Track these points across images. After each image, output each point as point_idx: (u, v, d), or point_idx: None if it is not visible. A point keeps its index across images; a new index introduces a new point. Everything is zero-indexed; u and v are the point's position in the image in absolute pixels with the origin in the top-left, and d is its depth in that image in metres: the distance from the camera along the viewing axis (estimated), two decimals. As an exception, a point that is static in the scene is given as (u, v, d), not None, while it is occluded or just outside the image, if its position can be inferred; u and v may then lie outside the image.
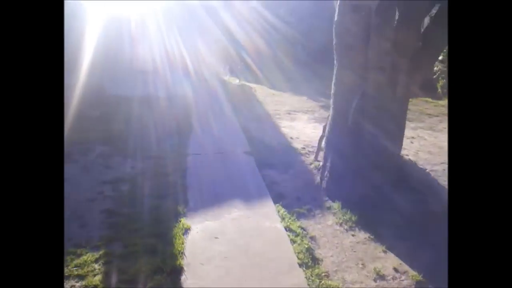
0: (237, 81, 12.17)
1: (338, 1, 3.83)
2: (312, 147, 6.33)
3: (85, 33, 10.43)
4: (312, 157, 5.84)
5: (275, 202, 4.30)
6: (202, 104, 8.68)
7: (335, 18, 3.97)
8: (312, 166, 5.50)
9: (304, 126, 7.51)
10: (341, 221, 4.10)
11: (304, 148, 6.26)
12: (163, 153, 5.64)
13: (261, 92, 10.69)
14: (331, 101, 4.55)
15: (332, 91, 4.42)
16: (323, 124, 7.86)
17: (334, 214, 4.25)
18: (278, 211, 4.08)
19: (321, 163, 5.26)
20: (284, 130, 7.18)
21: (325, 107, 9.01)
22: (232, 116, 7.89)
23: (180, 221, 3.77)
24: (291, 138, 6.72)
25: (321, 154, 5.67)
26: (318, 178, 5.00)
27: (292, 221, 3.92)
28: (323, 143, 5.43)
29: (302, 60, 16.48)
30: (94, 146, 5.77)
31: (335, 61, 4.24)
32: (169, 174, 4.93)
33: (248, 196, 4.40)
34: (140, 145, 5.89)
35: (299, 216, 4.12)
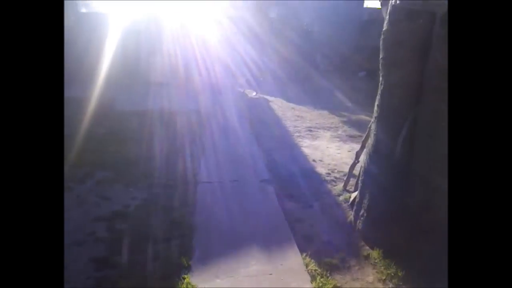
0: (254, 93, 11.43)
1: (389, 7, 3.03)
2: (339, 172, 5.49)
3: (104, 44, 10.01)
4: (340, 185, 5.01)
5: (301, 248, 3.48)
6: (217, 120, 7.94)
7: (384, 28, 3.16)
8: (341, 198, 4.66)
9: (327, 146, 6.68)
10: (384, 276, 3.25)
11: (329, 173, 5.43)
12: (171, 180, 4.88)
13: (279, 105, 9.91)
14: (373, 125, 3.73)
15: (375, 114, 3.60)
16: (348, 143, 7.18)
17: (374, 266, 3.40)
18: (306, 265, 3.25)
19: (352, 196, 4.42)
20: (306, 150, 6.37)
21: (349, 123, 8.17)
22: (248, 133, 7.12)
23: (184, 280, 2.98)
24: (314, 161, 5.89)
25: (352, 183, 4.83)
26: (350, 216, 4.16)
27: (325, 280, 3.08)
28: (357, 171, 4.59)
29: (322, 71, 15.70)
30: (94, 171, 5.05)
31: (380, 78, 3.43)
32: (175, 209, 4.15)
33: (268, 240, 3.58)
34: (145, 169, 5.15)
35: (332, 269, 3.29)
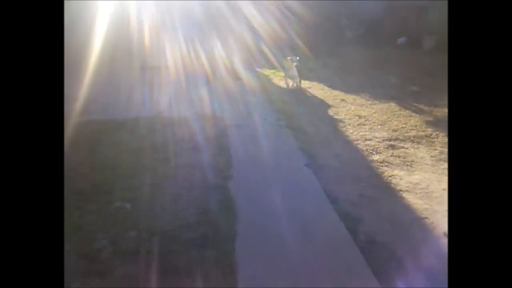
0: (281, 77, 8.41)
1: None
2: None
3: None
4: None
5: None
6: (245, 135, 5.07)
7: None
8: None
9: (442, 187, 3.81)
10: None
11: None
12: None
13: (323, 96, 6.94)
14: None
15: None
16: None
17: None
18: None
19: None
20: (413, 201, 3.54)
21: (440, 127, 5.23)
22: (298, 162, 4.27)
23: None
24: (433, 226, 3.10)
25: None
26: None
27: None
28: None
29: (349, 39, 12.49)
30: None
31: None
32: None
33: None
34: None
35: None
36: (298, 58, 7.46)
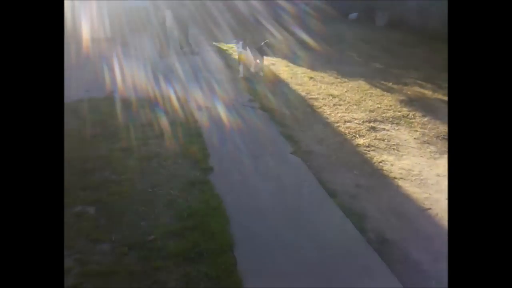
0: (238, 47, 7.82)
1: None
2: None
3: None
4: None
5: None
6: (213, 120, 4.53)
7: None
8: None
9: (436, 172, 3.64)
10: None
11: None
12: None
13: (290, 73, 6.53)
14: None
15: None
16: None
17: None
18: None
19: None
20: (407, 188, 3.32)
21: (415, 106, 5.09)
22: (284, 148, 3.86)
23: None
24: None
25: None
26: None
27: None
28: None
29: (297, 15, 12.10)
30: None
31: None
32: None
33: None
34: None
35: None
36: (242, 42, 6.18)
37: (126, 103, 4.94)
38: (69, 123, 4.18)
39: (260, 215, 2.82)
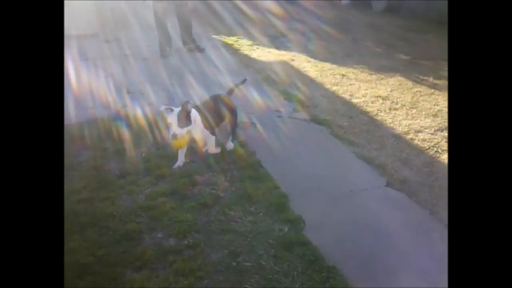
0: (249, 45, 6.78)
1: None
2: None
3: None
4: None
5: None
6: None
7: None
8: None
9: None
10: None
11: None
12: None
13: (315, 70, 5.63)
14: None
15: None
16: None
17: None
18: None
19: None
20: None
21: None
22: (358, 174, 3.03)
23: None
24: None
25: None
26: None
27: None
28: None
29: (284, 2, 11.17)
30: None
31: None
32: None
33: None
34: None
35: None
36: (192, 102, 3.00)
37: (138, 123, 3.90)
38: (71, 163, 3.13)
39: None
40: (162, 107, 2.88)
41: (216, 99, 3.32)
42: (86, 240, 2.36)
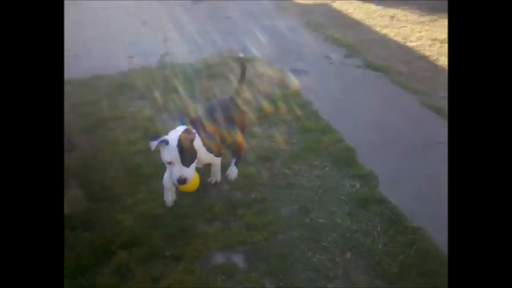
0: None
1: None
2: None
3: None
4: None
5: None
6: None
7: None
8: None
9: None
10: None
11: None
12: None
13: (360, 12, 5.16)
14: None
15: None
16: None
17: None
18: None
19: None
20: None
21: None
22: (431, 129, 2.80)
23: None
24: None
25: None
26: None
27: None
28: None
29: None
30: None
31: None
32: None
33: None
34: None
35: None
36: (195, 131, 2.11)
37: (183, 71, 3.69)
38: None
39: None
40: (153, 143, 1.87)
41: (219, 108, 2.30)
42: (152, 192, 2.27)
